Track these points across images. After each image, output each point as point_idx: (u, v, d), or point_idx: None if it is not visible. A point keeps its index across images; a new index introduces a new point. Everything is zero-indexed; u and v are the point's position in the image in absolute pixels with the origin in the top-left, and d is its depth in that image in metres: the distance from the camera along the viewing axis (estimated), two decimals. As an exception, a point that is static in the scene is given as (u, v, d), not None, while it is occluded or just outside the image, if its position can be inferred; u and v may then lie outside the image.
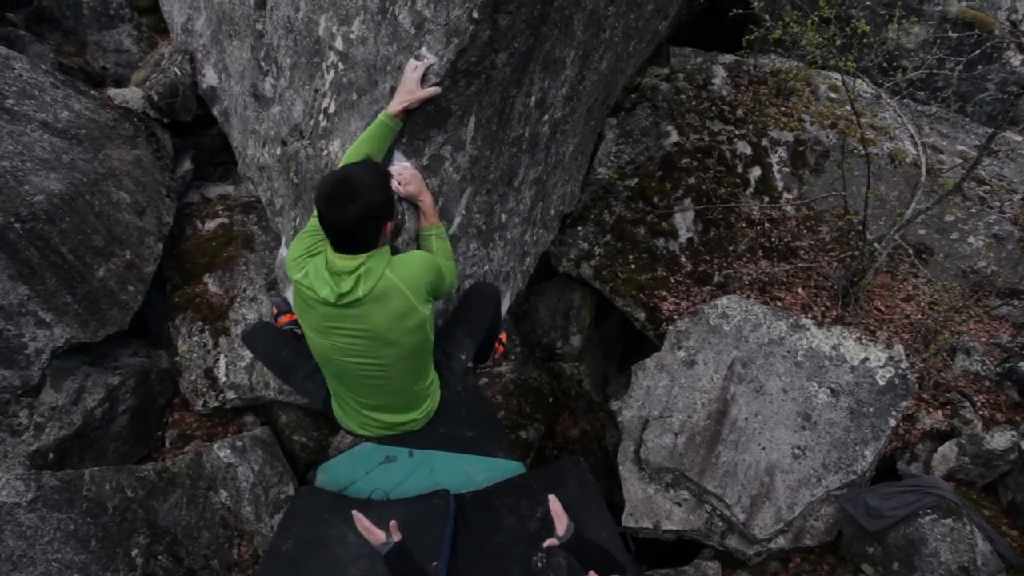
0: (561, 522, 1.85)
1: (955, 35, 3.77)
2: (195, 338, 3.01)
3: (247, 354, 2.97)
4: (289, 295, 2.62)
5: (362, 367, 1.77)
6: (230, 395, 2.92)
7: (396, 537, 1.81)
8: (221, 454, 2.72)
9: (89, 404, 2.71)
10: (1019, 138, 3.78)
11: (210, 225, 3.30)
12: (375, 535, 1.81)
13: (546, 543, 1.86)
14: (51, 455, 2.58)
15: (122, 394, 2.82)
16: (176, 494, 2.52)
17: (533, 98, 2.18)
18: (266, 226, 3.31)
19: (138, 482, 2.43)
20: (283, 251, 2.61)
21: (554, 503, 1.87)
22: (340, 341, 1.72)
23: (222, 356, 2.97)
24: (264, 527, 2.68)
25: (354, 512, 1.84)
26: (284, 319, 2.54)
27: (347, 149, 2.11)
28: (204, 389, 2.93)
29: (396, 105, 1.76)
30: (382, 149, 1.80)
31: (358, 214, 1.56)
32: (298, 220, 2.48)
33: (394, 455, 2.68)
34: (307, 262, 1.68)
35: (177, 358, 2.99)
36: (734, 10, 3.18)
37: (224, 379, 2.93)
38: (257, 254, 3.23)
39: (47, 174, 2.61)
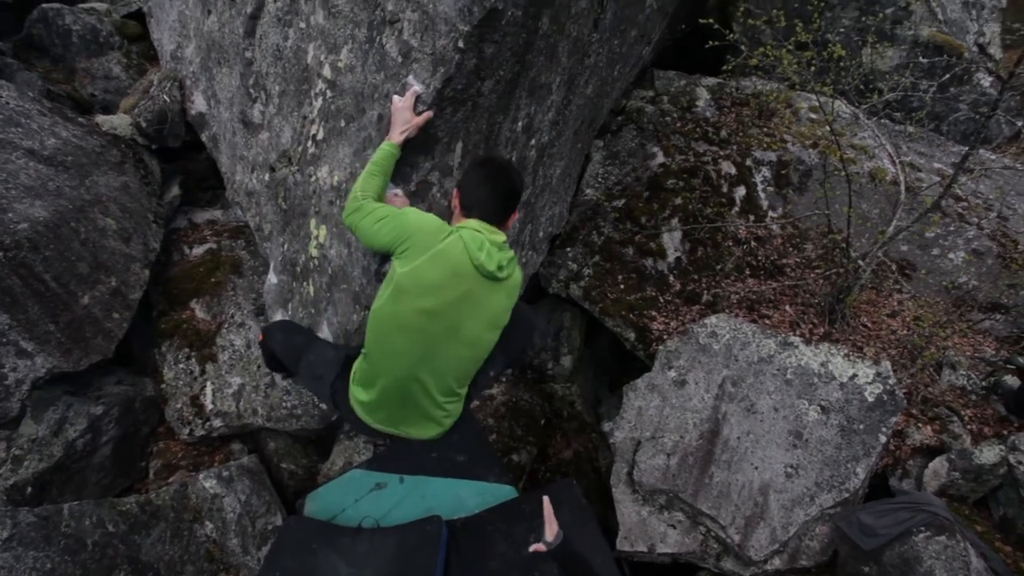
0: (551, 527, 1.75)
1: (926, 60, 3.91)
2: (181, 365, 2.97)
3: (234, 380, 2.93)
4: (280, 318, 2.59)
5: (457, 346, 1.70)
6: (217, 423, 2.87)
7: None
8: (207, 484, 2.66)
9: (70, 435, 2.65)
10: (992, 156, 3.89)
11: (198, 250, 3.27)
12: None
13: (532, 547, 1.76)
14: (29, 489, 2.51)
15: (105, 424, 2.76)
16: (159, 527, 2.45)
17: (520, 123, 2.21)
18: (254, 251, 3.29)
19: (120, 516, 2.37)
20: (272, 277, 2.60)
21: (547, 505, 1.79)
22: (466, 324, 1.67)
23: (209, 383, 2.93)
24: (251, 560, 2.61)
25: None
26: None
27: (336, 175, 2.13)
28: (190, 417, 2.87)
29: (398, 135, 1.81)
30: (389, 179, 1.85)
31: (513, 190, 1.75)
32: (286, 246, 2.47)
33: (384, 481, 2.64)
34: (450, 230, 1.67)
35: (163, 386, 2.94)
36: (710, 42, 3.26)
37: (211, 406, 2.88)
38: (245, 279, 3.21)
39: (32, 201, 2.59)
